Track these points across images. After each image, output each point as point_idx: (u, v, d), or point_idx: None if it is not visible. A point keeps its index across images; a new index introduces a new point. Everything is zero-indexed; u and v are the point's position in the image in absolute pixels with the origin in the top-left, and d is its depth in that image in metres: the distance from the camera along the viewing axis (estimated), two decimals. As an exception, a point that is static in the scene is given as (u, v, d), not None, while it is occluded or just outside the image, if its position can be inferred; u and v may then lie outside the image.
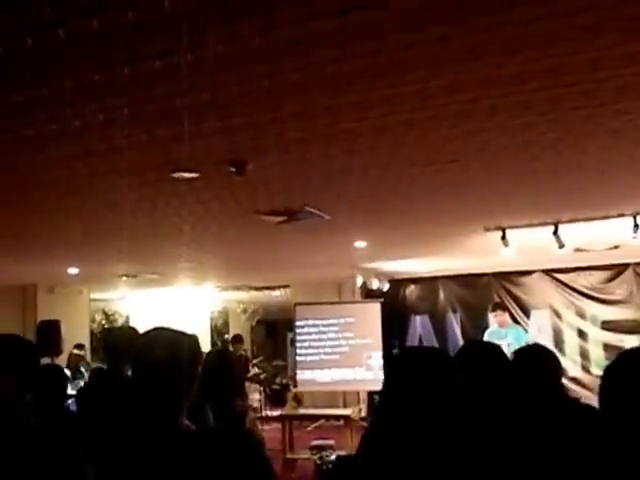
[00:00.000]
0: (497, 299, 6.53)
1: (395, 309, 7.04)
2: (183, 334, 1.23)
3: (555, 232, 4.03)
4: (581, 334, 6.65)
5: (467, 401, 1.13)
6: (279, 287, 8.37)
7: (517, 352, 1.70)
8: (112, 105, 1.86)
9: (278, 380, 9.05)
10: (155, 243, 4.47)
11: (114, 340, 2.33)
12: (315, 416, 6.00)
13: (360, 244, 4.83)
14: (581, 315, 6.66)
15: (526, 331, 5.92)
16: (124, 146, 2.23)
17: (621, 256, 5.82)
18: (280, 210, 3.40)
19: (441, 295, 7.21)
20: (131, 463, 1.10)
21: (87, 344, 7.08)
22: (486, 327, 5.69)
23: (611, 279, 6.53)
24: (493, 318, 5.50)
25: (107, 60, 1.56)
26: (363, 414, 5.98)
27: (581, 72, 1.73)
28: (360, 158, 2.53)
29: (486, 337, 5.19)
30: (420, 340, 7.15)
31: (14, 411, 1.16)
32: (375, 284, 6.49)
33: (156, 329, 1.24)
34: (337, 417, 5.70)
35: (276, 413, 6.17)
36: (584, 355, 6.58)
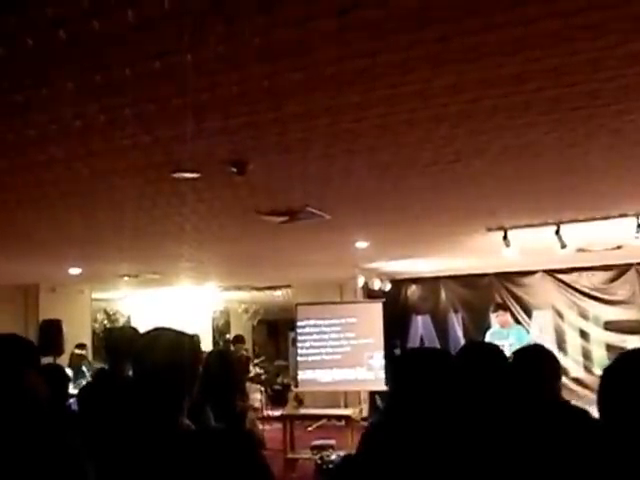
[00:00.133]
0: (499, 299, 6.52)
1: (397, 309, 7.04)
2: (184, 334, 1.24)
3: (557, 232, 4.02)
4: (583, 335, 6.63)
5: (467, 401, 1.13)
6: (281, 287, 8.38)
7: (516, 353, 1.69)
8: (113, 105, 1.86)
9: (279, 380, 9.06)
10: (156, 243, 4.48)
11: (115, 340, 2.34)
12: (316, 416, 6.01)
13: (361, 244, 4.82)
14: (583, 315, 6.64)
15: (528, 332, 5.91)
16: (125, 146, 2.24)
17: (624, 256, 5.80)
18: (281, 210, 3.40)
19: (443, 295, 7.20)
20: (131, 462, 1.10)
21: (89, 344, 7.10)
22: (488, 327, 5.68)
23: (614, 279, 6.51)
24: (495, 318, 5.49)
25: (108, 60, 1.56)
26: (364, 414, 5.99)
27: (582, 72, 1.73)
28: (361, 158, 2.53)
29: (488, 337, 5.18)
30: (421, 340, 7.14)
31: (44, 409, 1.16)
32: (377, 284, 6.49)
33: (156, 329, 1.25)
34: (338, 417, 5.69)
35: (277, 413, 6.17)
36: (586, 356, 6.56)
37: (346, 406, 6.29)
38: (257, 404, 6.80)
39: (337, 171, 2.71)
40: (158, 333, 1.23)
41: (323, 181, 2.89)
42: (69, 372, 4.70)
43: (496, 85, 1.80)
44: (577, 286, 6.64)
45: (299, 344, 6.28)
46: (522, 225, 4.04)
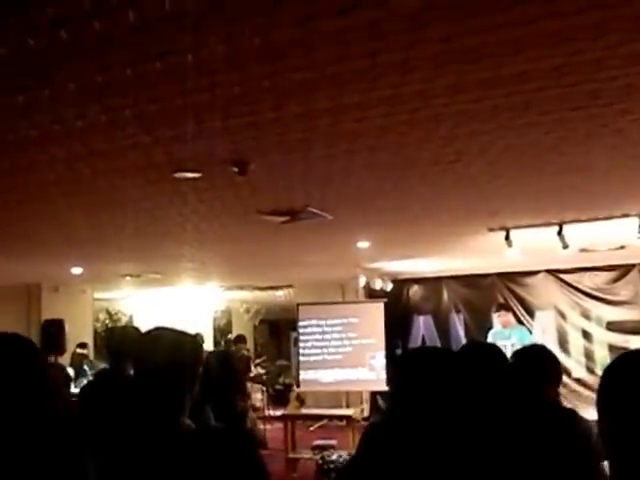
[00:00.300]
0: (501, 300, 6.50)
1: (398, 309, 7.03)
2: (185, 334, 1.24)
3: (559, 233, 4.00)
4: (586, 335, 6.60)
5: (467, 402, 1.13)
6: (282, 287, 8.38)
7: (517, 353, 1.69)
8: (114, 106, 1.87)
9: (281, 380, 9.06)
10: (158, 243, 4.49)
11: (117, 339, 2.34)
12: (318, 416, 6.01)
13: (363, 244, 4.82)
14: (586, 316, 6.62)
15: (530, 332, 5.89)
16: (126, 146, 2.24)
17: (626, 257, 5.78)
18: (282, 210, 3.40)
19: (445, 295, 7.18)
20: (132, 462, 1.10)
21: (90, 343, 7.12)
22: (490, 328, 5.66)
23: (616, 280, 6.48)
24: (497, 319, 5.48)
25: (109, 61, 1.56)
26: (366, 414, 5.98)
27: (585, 72, 1.72)
28: (362, 158, 2.53)
29: (490, 338, 5.17)
30: (423, 340, 7.13)
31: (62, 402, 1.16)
32: (378, 284, 6.48)
33: (157, 329, 1.25)
34: (340, 417, 5.69)
35: (279, 413, 6.17)
36: (589, 356, 6.53)
37: (348, 406, 6.29)
38: (258, 404, 6.81)
39: (338, 171, 2.71)
40: (159, 333, 1.23)
41: (324, 181, 2.89)
42: (70, 371, 4.72)
43: (497, 85, 1.79)
44: (580, 286, 6.62)
45: (301, 344, 6.29)
46: (524, 225, 4.03)
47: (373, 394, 6.56)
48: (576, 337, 6.64)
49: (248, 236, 4.30)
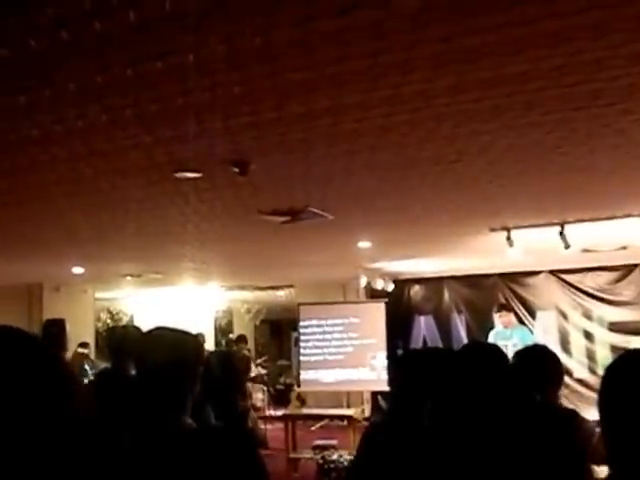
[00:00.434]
0: (502, 300, 6.49)
1: (399, 309, 7.02)
2: (186, 333, 1.24)
3: (561, 234, 3.99)
4: (588, 335, 6.58)
5: (467, 402, 1.13)
6: (283, 287, 8.38)
7: (518, 353, 1.69)
8: (115, 106, 1.87)
9: (282, 380, 9.07)
10: (159, 243, 4.49)
11: (118, 339, 2.35)
12: (318, 416, 6.01)
13: (364, 244, 4.82)
14: (588, 316, 6.59)
15: (532, 332, 5.88)
16: (127, 146, 2.24)
17: (629, 257, 5.76)
18: (283, 210, 3.40)
19: (446, 295, 7.17)
20: (133, 461, 1.10)
21: (92, 343, 7.13)
22: (491, 328, 5.65)
23: (619, 280, 6.46)
24: (498, 319, 5.47)
25: (109, 61, 1.57)
26: (366, 414, 5.98)
27: (585, 72, 1.72)
28: (363, 158, 2.53)
29: (491, 338, 5.16)
30: (424, 341, 7.12)
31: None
32: (379, 284, 6.48)
33: (158, 329, 1.25)
34: (340, 417, 5.69)
35: (280, 413, 6.18)
36: (591, 357, 6.51)
37: (348, 406, 6.29)
38: (259, 404, 6.81)
39: (339, 171, 2.71)
40: (161, 332, 1.23)
41: (325, 181, 2.89)
42: (72, 371, 4.69)
43: (498, 85, 1.79)
44: (582, 287, 6.60)
45: (302, 344, 6.29)
46: (526, 225, 4.02)
47: (374, 394, 6.55)
48: (578, 338, 6.61)
49: (249, 236, 4.30)
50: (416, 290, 7.37)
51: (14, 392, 0.64)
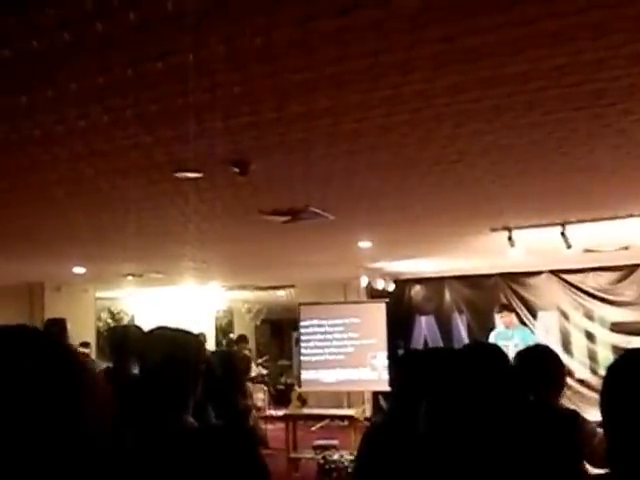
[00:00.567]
0: (504, 300, 6.47)
1: (400, 309, 7.02)
2: (188, 333, 1.25)
3: (563, 233, 3.99)
4: (589, 336, 6.56)
5: (467, 402, 1.13)
6: (284, 287, 8.38)
7: (520, 353, 1.68)
8: (116, 106, 1.87)
9: (283, 380, 9.08)
10: (159, 243, 4.50)
11: (119, 338, 2.35)
12: (319, 416, 6.01)
13: (365, 244, 4.82)
14: (589, 317, 6.58)
15: (533, 332, 5.87)
16: (128, 146, 2.25)
17: (631, 257, 5.75)
18: (284, 210, 3.40)
19: (447, 296, 7.16)
20: (135, 459, 1.10)
21: (93, 342, 7.14)
22: (492, 328, 5.65)
23: (620, 280, 6.44)
24: (499, 319, 5.46)
25: (110, 61, 1.57)
26: (367, 414, 5.97)
27: (586, 72, 1.71)
28: (363, 158, 2.53)
29: (492, 338, 5.15)
30: (425, 341, 7.11)
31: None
32: (380, 284, 6.48)
33: (159, 328, 1.25)
34: (341, 417, 5.69)
35: (280, 413, 6.18)
36: (592, 357, 6.50)
37: (349, 406, 6.29)
38: (260, 404, 6.81)
39: (339, 171, 2.71)
40: (162, 332, 1.24)
41: (325, 181, 2.89)
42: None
43: (498, 85, 1.79)
44: (583, 287, 6.58)
45: (302, 344, 6.29)
46: (527, 225, 4.02)
47: (375, 394, 6.55)
48: (579, 338, 6.60)
49: (249, 236, 4.30)
50: (417, 290, 7.37)
51: (28, 388, 0.64)
